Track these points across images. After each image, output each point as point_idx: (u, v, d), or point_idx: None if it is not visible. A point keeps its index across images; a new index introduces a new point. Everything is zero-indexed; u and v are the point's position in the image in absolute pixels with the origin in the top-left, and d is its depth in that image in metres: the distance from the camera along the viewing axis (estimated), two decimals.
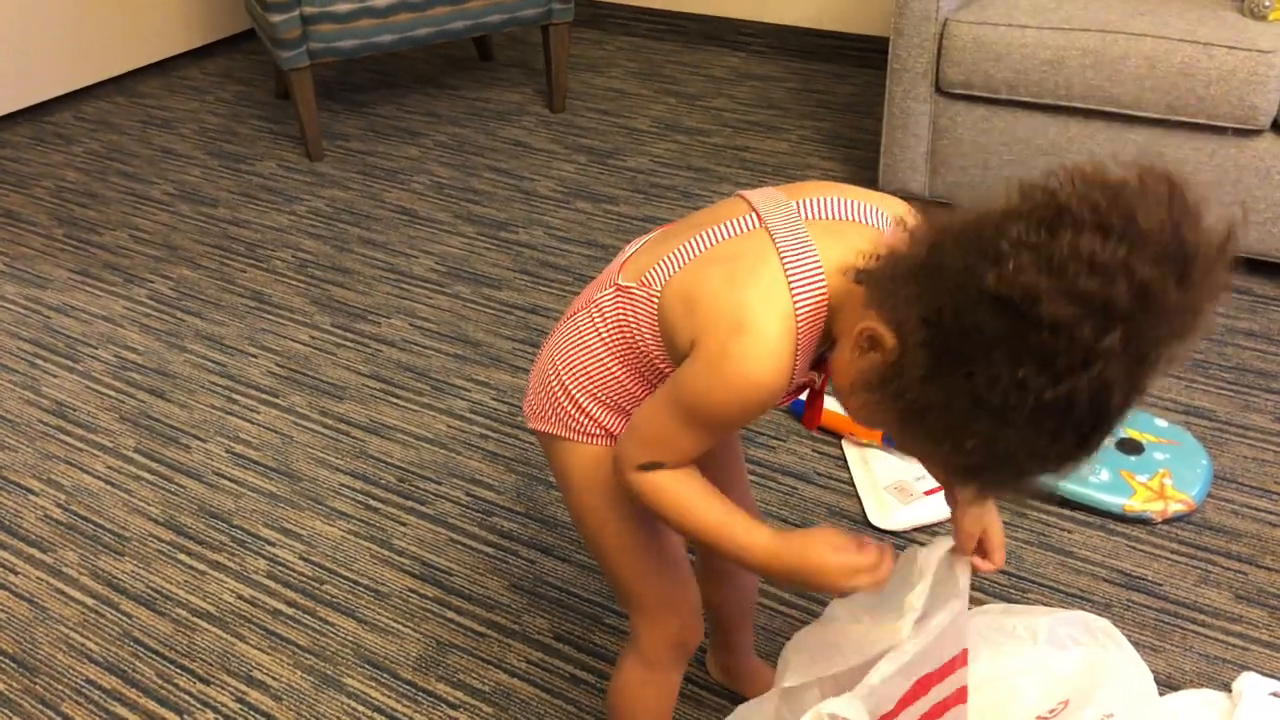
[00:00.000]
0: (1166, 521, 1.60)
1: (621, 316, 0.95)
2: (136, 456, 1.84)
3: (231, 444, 1.86)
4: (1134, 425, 1.73)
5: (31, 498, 1.76)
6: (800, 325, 0.84)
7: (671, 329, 0.90)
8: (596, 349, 0.97)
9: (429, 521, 1.68)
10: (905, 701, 0.94)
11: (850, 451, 1.75)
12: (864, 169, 2.62)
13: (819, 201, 0.89)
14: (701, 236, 0.91)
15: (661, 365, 0.94)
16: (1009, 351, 0.68)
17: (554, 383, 1.00)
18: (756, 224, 0.89)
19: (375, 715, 1.38)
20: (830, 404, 1.80)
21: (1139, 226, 0.67)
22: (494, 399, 1.93)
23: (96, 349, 2.12)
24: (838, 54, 3.25)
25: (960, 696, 1.02)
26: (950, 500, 1.01)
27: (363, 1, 2.68)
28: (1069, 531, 1.60)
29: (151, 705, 1.41)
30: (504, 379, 1.98)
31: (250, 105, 3.16)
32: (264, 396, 1.97)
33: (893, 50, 2.24)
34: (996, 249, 0.69)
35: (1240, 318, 2.04)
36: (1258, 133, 2.00)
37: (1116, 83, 2.04)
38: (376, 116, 3.05)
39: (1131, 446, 1.67)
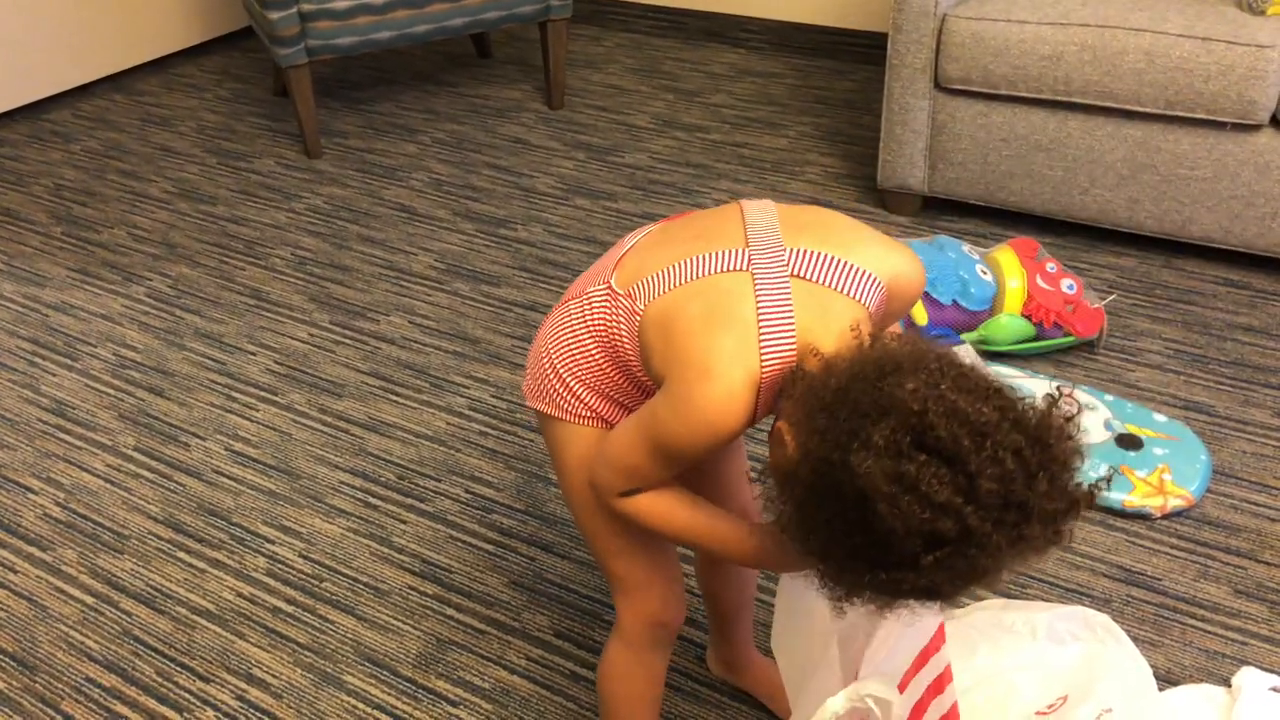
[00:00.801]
0: (1166, 517, 1.60)
1: (606, 316, 0.97)
2: (136, 455, 1.84)
3: (231, 442, 1.85)
4: (1133, 420, 1.73)
5: (31, 496, 1.76)
6: (764, 380, 0.88)
7: (647, 351, 0.94)
8: (584, 338, 1.00)
9: (428, 519, 1.68)
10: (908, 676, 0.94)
11: None
12: (863, 165, 2.62)
13: (813, 258, 0.90)
14: (692, 263, 0.92)
15: (636, 370, 0.97)
16: (854, 524, 0.75)
17: (546, 365, 1.03)
18: (744, 266, 0.90)
19: (375, 712, 1.38)
20: None
21: (980, 484, 0.72)
22: (493, 396, 1.93)
23: (95, 347, 2.12)
24: (837, 50, 3.25)
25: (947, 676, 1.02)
26: None
27: None
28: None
29: (151, 703, 1.41)
30: (503, 376, 1.98)
31: (248, 103, 3.16)
32: (263, 394, 1.97)
33: (891, 46, 2.23)
34: (868, 437, 0.74)
35: (1240, 313, 2.04)
36: (1256, 128, 1.99)
37: (1115, 78, 2.04)
38: (375, 114, 3.05)
39: (1131, 442, 1.67)
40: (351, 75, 3.30)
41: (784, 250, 0.90)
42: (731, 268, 0.90)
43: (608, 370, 0.99)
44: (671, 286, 0.92)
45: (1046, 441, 0.75)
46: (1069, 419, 0.77)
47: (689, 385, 0.88)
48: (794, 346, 0.87)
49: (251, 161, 2.82)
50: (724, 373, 0.87)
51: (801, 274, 0.89)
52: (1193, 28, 2.00)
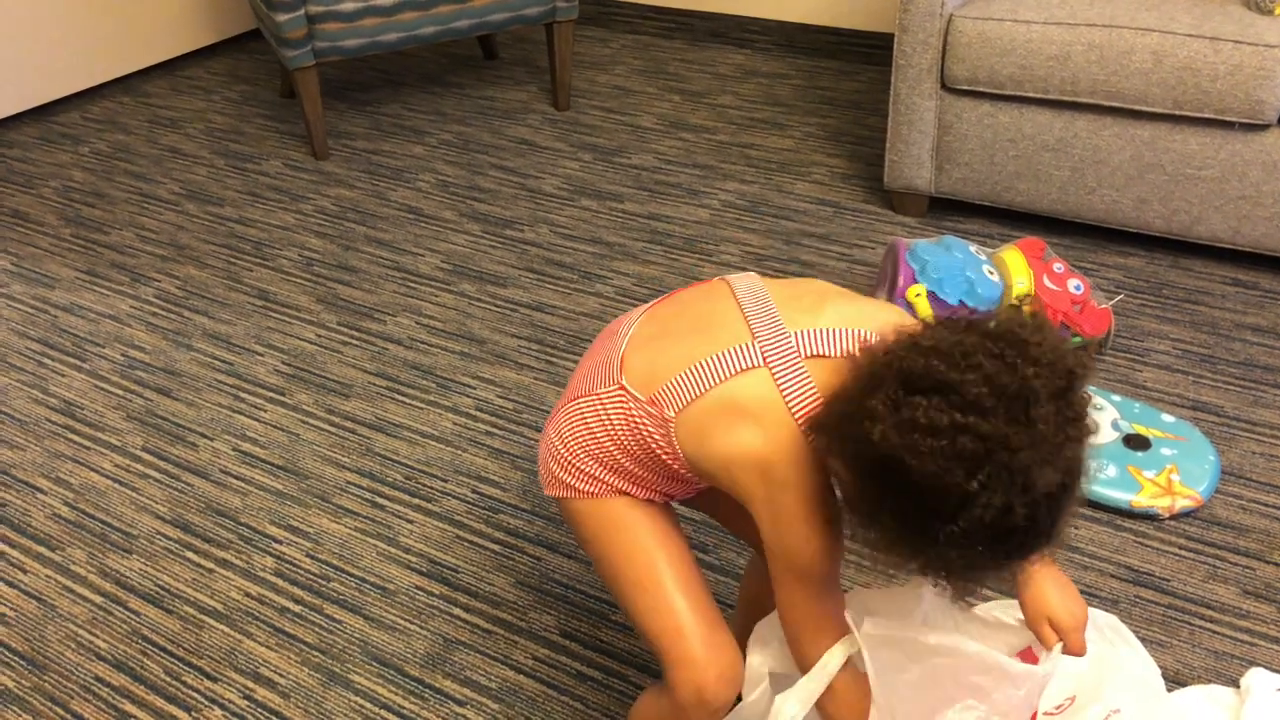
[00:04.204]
0: (1174, 517, 1.60)
1: (627, 417, 1.00)
2: (144, 455, 1.84)
3: (238, 442, 1.86)
4: (1141, 421, 1.72)
5: (40, 496, 1.77)
6: (804, 431, 0.92)
7: (692, 458, 0.98)
8: (598, 433, 1.03)
9: (435, 519, 1.68)
10: None
11: None
12: (869, 165, 2.61)
13: (819, 335, 0.94)
14: (707, 365, 0.96)
15: (667, 460, 1.00)
16: (905, 496, 0.79)
17: (560, 459, 1.06)
18: (759, 362, 0.94)
19: (382, 712, 1.39)
20: None
21: (971, 393, 0.77)
22: (500, 396, 1.93)
23: (104, 348, 2.13)
24: (843, 51, 3.25)
25: None
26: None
27: (368, 0, 2.68)
28: (1076, 527, 1.60)
29: (160, 702, 1.41)
30: (510, 376, 1.98)
31: (256, 105, 3.17)
32: (271, 395, 1.97)
33: (898, 46, 2.23)
34: (871, 411, 0.80)
35: (1248, 313, 2.03)
36: (1264, 127, 1.99)
37: (1122, 78, 2.04)
38: (382, 115, 3.05)
39: (1139, 442, 1.67)
40: (358, 77, 3.31)
41: (789, 335, 0.95)
42: (747, 366, 0.94)
43: (625, 464, 1.03)
44: (695, 395, 0.96)
45: (1015, 334, 0.80)
46: (1032, 314, 0.83)
47: (769, 495, 0.93)
48: (818, 401, 0.92)
49: (259, 163, 2.83)
50: (780, 462, 0.92)
51: (813, 354, 0.94)
52: (1200, 27, 1.99)
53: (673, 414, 0.97)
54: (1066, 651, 1.01)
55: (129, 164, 2.85)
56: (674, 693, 1.06)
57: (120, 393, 2.00)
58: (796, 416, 0.92)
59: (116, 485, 1.78)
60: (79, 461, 1.84)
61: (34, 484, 1.79)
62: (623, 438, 1.01)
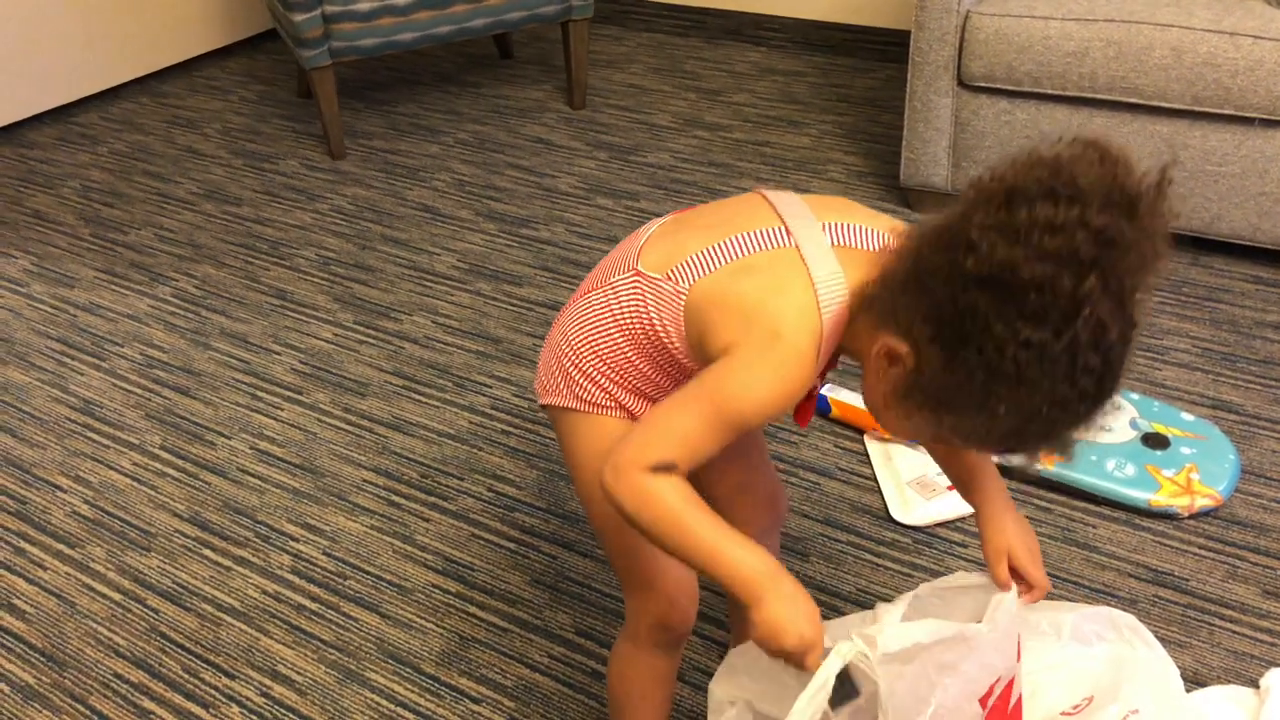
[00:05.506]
0: (1193, 516, 1.58)
1: (640, 303, 0.97)
2: (162, 453, 1.86)
3: (256, 441, 1.87)
4: (1160, 420, 1.71)
5: (60, 494, 1.78)
6: (824, 336, 0.90)
7: (702, 330, 0.93)
8: (610, 329, 0.99)
9: (451, 517, 1.69)
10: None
11: (873, 447, 1.75)
12: (886, 163, 2.60)
13: (847, 228, 0.93)
14: (732, 242, 0.94)
15: (678, 355, 0.97)
16: (1006, 320, 0.77)
17: (566, 358, 1.02)
18: (788, 242, 0.92)
19: (398, 709, 1.39)
20: (854, 399, 1.79)
21: (1081, 186, 0.76)
22: (515, 395, 1.94)
23: (122, 347, 2.14)
24: (859, 48, 3.23)
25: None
26: (979, 522, 1.05)
27: (384, 0, 2.69)
28: (1094, 526, 1.59)
29: (178, 699, 1.42)
30: (525, 375, 1.99)
31: (273, 104, 3.18)
32: (288, 393, 1.98)
33: (914, 43, 2.22)
34: (968, 238, 0.78)
35: (1269, 310, 2.01)
36: None
37: (1141, 74, 2.02)
38: (398, 115, 3.06)
39: (1158, 441, 1.66)
40: (375, 77, 3.32)
41: (820, 224, 0.93)
42: (776, 244, 0.93)
43: (635, 361, 0.99)
44: (716, 266, 0.93)
45: (1099, 141, 0.79)
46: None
47: (757, 350, 0.89)
48: (846, 300, 0.90)
49: (276, 163, 2.84)
50: (791, 335, 0.88)
51: (838, 243, 0.92)
52: (1220, 22, 1.97)
53: (687, 287, 0.94)
54: (1031, 584, 1.02)
55: (147, 164, 2.87)
56: (634, 622, 1.09)
57: (139, 391, 2.01)
58: (820, 296, 0.89)
59: (135, 483, 1.79)
60: (98, 460, 1.85)
61: (54, 482, 1.81)
62: (633, 328, 0.98)
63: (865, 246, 0.92)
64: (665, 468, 0.89)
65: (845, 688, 0.92)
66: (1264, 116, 1.97)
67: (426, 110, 3.08)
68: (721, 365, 0.90)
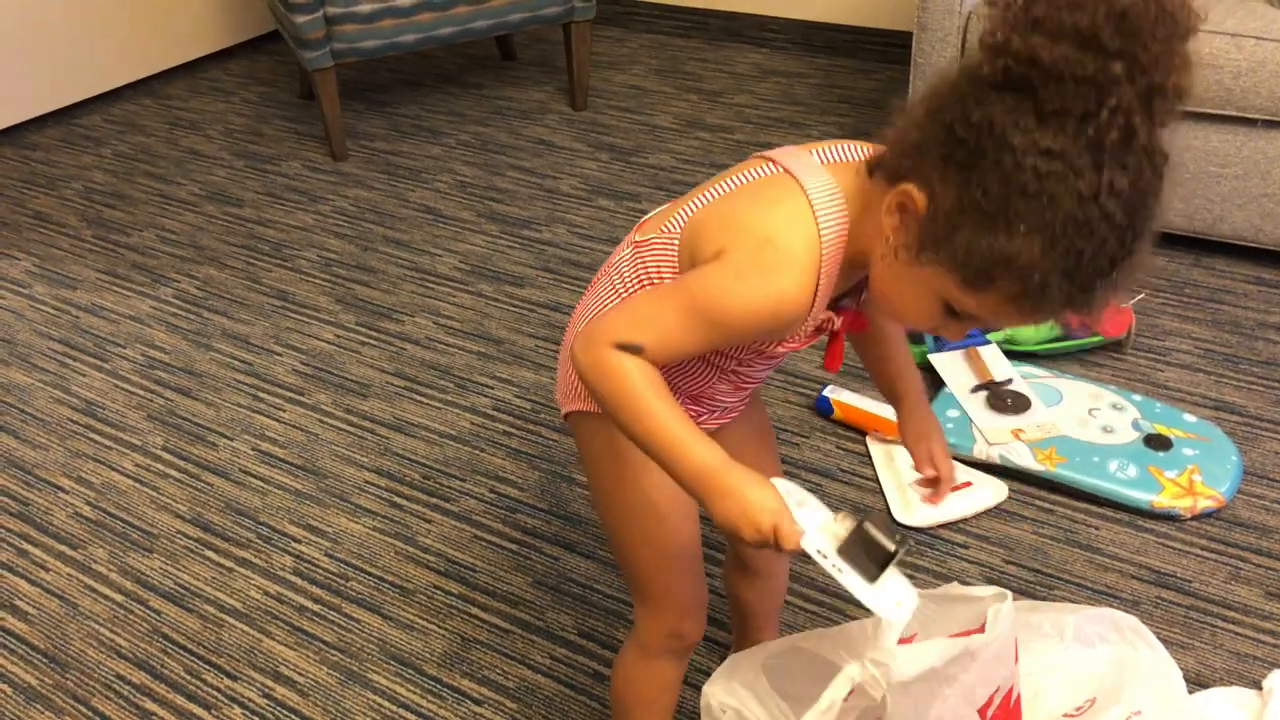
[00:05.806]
0: (1195, 518, 1.58)
1: (642, 269, 0.96)
2: (164, 454, 1.86)
3: (258, 442, 1.87)
4: (1163, 421, 1.71)
5: (62, 495, 1.78)
6: (824, 250, 0.85)
7: (694, 249, 0.90)
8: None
9: (453, 518, 1.69)
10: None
11: (875, 448, 1.75)
12: None
13: (831, 149, 0.92)
14: (720, 184, 0.94)
15: None
16: (1025, 124, 0.72)
17: None
18: (776, 170, 0.91)
19: (400, 711, 1.39)
20: (856, 400, 1.79)
21: (1102, 30, 0.71)
22: (517, 396, 1.94)
23: (124, 348, 2.14)
24: (861, 49, 3.23)
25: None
26: (899, 426, 1.09)
27: (386, 2, 2.69)
28: (1096, 528, 1.59)
29: (180, 700, 1.42)
30: (527, 376, 1.99)
31: (275, 106, 3.19)
32: (289, 395, 1.98)
33: (916, 45, 2.22)
34: (985, 44, 0.74)
35: (1271, 312, 2.01)
36: None
37: None
38: (400, 116, 3.06)
39: (1160, 442, 1.66)
40: (376, 78, 3.32)
41: (810, 152, 0.91)
42: (767, 174, 0.91)
43: None
44: (705, 204, 0.93)
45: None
46: None
47: (751, 252, 0.85)
48: (844, 204, 0.86)
49: (278, 164, 2.84)
50: (785, 238, 0.84)
51: (829, 161, 0.90)
52: (1222, 23, 1.97)
53: (678, 230, 0.92)
54: (939, 474, 1.07)
55: (149, 165, 2.87)
56: (645, 631, 1.08)
57: (141, 393, 2.01)
58: (815, 206, 0.85)
59: (137, 485, 1.79)
60: (100, 461, 1.85)
61: (56, 483, 1.81)
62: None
63: (857, 159, 0.90)
64: (631, 348, 0.86)
65: (873, 550, 0.83)
66: (1266, 118, 1.97)
67: (428, 112, 3.08)
68: (709, 264, 0.86)
